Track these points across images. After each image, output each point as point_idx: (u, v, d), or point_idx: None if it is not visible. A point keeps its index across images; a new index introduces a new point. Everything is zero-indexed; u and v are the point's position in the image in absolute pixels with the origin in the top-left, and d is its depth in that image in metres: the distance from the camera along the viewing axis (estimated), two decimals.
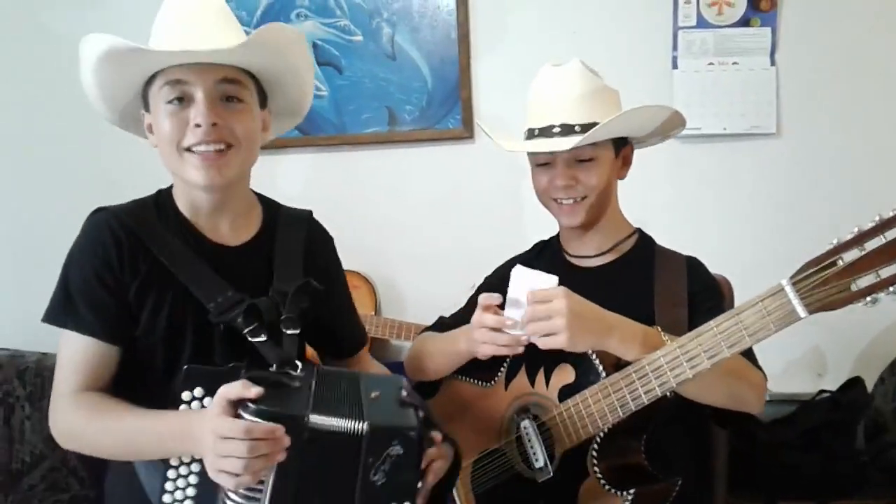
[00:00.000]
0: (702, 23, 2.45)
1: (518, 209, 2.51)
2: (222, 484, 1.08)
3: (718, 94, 2.46)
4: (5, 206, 2.67)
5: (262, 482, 1.08)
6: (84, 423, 1.23)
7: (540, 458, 1.39)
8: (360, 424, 1.08)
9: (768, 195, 2.48)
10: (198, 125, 1.24)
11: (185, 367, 1.19)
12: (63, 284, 1.29)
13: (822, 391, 2.31)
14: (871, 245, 1.08)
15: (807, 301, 1.12)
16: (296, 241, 1.40)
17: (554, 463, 1.39)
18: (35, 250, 2.63)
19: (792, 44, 2.44)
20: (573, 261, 1.57)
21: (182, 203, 1.35)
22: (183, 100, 1.25)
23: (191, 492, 1.17)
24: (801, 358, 2.46)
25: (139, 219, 1.31)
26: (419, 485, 1.15)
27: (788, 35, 2.44)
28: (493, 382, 1.50)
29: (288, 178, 2.55)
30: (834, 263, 1.10)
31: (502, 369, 1.48)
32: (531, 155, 1.53)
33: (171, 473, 1.17)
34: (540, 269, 1.58)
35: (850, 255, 1.10)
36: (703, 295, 1.45)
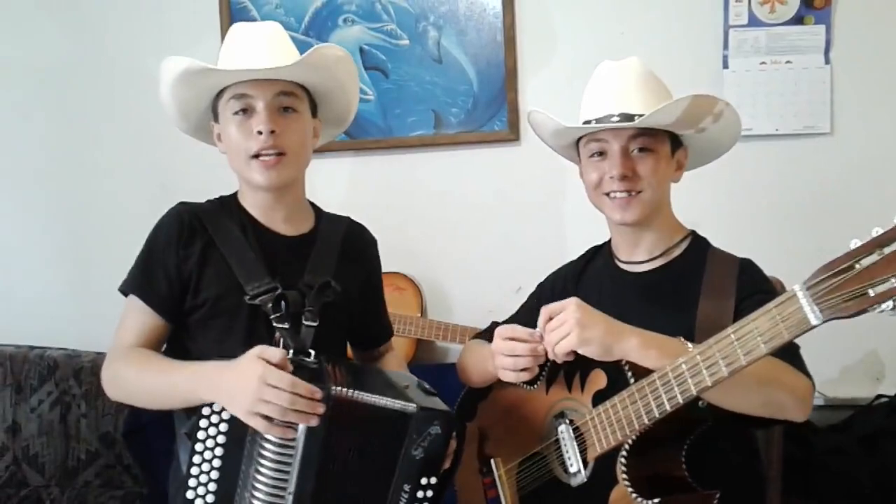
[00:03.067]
0: (753, 21, 2.41)
1: (564, 211, 2.49)
2: (254, 426, 1.22)
3: (771, 94, 2.41)
4: (62, 211, 2.74)
5: (291, 448, 1.22)
6: (129, 370, 1.39)
7: (574, 463, 1.39)
8: (410, 405, 1.27)
9: (822, 196, 2.42)
10: (259, 132, 1.41)
11: (216, 359, 1.30)
12: (136, 260, 1.48)
13: (879, 396, 2.25)
14: (890, 249, 1.01)
15: (821, 307, 1.05)
16: (333, 240, 1.55)
17: (588, 468, 1.38)
18: (90, 253, 2.70)
19: (847, 42, 2.38)
20: (624, 266, 1.54)
21: (245, 200, 1.53)
22: (247, 111, 1.43)
23: (217, 463, 1.27)
24: (858, 362, 2.39)
25: (205, 208, 1.50)
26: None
27: (843, 33, 2.38)
28: (535, 386, 1.50)
29: (335, 181, 2.57)
30: (851, 268, 1.03)
31: (544, 373, 1.47)
32: (584, 146, 1.51)
33: (198, 446, 1.26)
34: (591, 276, 1.58)
35: (868, 260, 1.02)
36: (754, 299, 1.39)
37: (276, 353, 1.24)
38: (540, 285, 1.67)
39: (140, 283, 1.44)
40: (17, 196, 2.74)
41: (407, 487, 1.29)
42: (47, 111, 2.71)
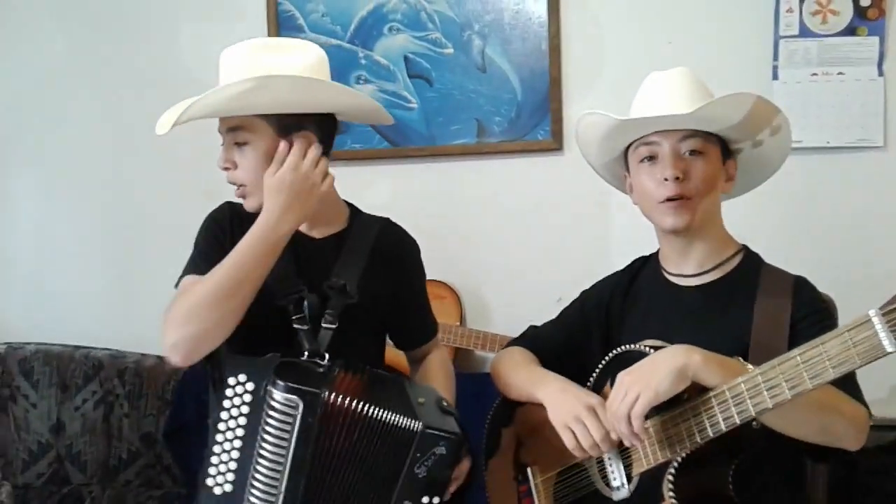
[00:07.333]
0: (805, 32, 2.37)
1: (606, 222, 2.47)
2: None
3: (822, 106, 2.36)
4: (109, 216, 2.79)
5: (284, 449, 1.25)
6: (195, 290, 1.36)
7: (617, 477, 1.37)
8: (416, 423, 1.29)
9: (875, 210, 2.37)
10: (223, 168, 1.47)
11: (230, 356, 1.33)
12: (191, 254, 1.50)
13: None
14: None
15: None
16: (364, 242, 1.54)
17: (632, 483, 1.35)
18: (136, 256, 2.75)
19: None
20: (673, 279, 1.51)
21: None
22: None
23: (235, 454, 1.30)
24: None
25: (244, 210, 1.50)
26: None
27: None
28: None
29: (377, 189, 2.58)
30: None
31: (588, 383, 1.46)
32: (633, 152, 1.48)
33: (218, 437, 1.30)
34: (641, 287, 1.56)
35: None
36: (810, 319, 1.37)
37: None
38: (584, 293, 1.64)
39: (197, 263, 1.46)
40: (66, 201, 2.80)
41: None
42: (94, 117, 2.76)
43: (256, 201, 1.43)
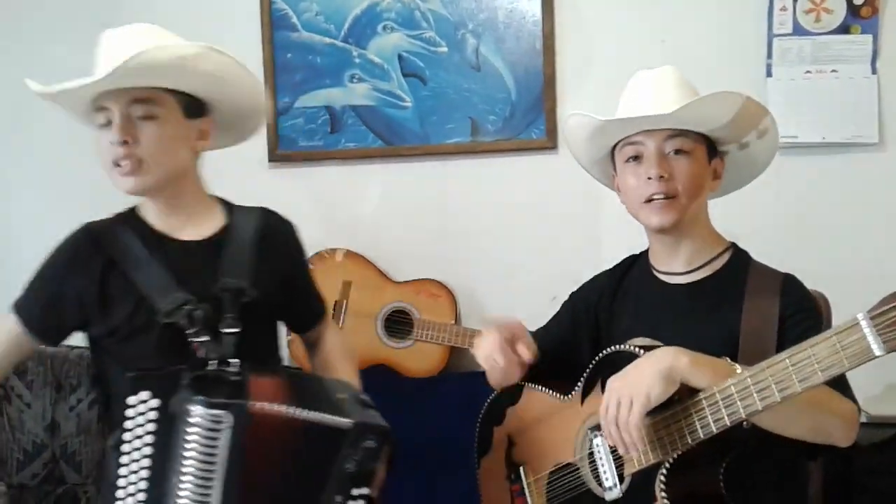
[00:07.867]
0: (798, 30, 2.37)
1: (600, 220, 2.47)
2: None
3: (816, 104, 2.37)
4: (105, 214, 2.78)
5: (213, 464, 1.20)
6: None
7: (609, 478, 1.37)
8: (344, 421, 1.27)
9: (869, 207, 2.37)
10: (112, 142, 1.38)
11: (129, 375, 1.27)
12: (30, 279, 1.48)
13: None
14: None
15: (885, 337, 1.02)
16: (246, 237, 1.49)
17: (623, 483, 1.35)
18: None
19: (894, 51, 2.33)
20: (662, 277, 1.51)
21: (147, 212, 1.50)
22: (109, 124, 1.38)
23: (145, 473, 1.25)
24: None
25: (105, 226, 1.49)
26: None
27: (890, 42, 2.34)
28: (570, 396, 1.48)
29: (371, 188, 2.58)
30: None
31: (579, 384, 1.46)
32: (619, 151, 1.48)
33: (123, 459, 1.25)
34: (629, 287, 1.56)
35: None
36: (798, 317, 1.37)
37: None
38: (573, 295, 1.65)
39: (21, 304, 1.47)
40: (62, 199, 2.79)
41: (339, 499, 1.29)
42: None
43: (145, 182, 1.39)
